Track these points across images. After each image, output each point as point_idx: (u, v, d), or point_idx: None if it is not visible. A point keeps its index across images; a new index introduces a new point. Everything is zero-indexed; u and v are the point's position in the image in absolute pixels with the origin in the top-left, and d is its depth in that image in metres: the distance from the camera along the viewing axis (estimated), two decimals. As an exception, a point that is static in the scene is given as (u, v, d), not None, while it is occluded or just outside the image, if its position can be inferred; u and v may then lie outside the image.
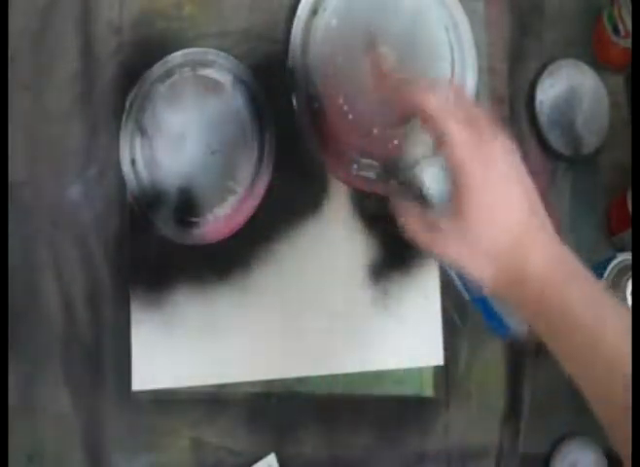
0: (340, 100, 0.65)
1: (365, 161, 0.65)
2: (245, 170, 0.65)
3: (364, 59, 0.65)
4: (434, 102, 0.44)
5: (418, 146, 0.48)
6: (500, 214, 0.44)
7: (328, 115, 0.65)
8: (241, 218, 0.65)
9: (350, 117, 0.65)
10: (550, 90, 0.69)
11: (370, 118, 0.65)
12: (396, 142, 0.64)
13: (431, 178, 0.46)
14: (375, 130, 0.65)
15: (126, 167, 0.66)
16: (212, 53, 0.67)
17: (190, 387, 0.64)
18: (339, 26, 0.66)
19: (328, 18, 0.66)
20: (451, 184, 0.44)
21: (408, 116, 0.48)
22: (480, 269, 0.44)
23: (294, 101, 0.65)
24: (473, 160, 0.43)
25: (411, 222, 0.47)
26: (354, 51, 0.66)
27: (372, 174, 0.65)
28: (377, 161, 0.65)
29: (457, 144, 0.43)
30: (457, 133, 0.43)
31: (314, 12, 0.66)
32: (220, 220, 0.65)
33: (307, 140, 0.65)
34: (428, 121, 0.45)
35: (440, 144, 0.44)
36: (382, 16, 0.66)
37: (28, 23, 0.66)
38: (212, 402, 0.64)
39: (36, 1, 0.66)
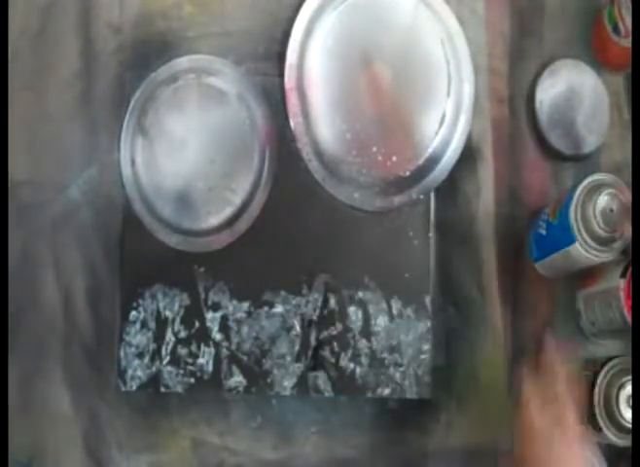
0: (338, 120, 0.65)
1: (365, 179, 0.65)
2: (244, 183, 0.65)
3: (360, 78, 0.65)
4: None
5: None
6: None
7: (326, 134, 0.65)
8: (238, 229, 0.65)
9: (348, 136, 0.65)
10: (550, 90, 0.69)
11: (368, 136, 0.65)
12: (395, 159, 0.64)
13: None
14: (374, 148, 0.65)
15: (126, 168, 0.66)
16: (218, 63, 0.66)
17: (189, 387, 0.64)
18: (335, 46, 0.65)
19: (323, 39, 0.65)
20: None
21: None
22: None
23: (291, 123, 0.65)
24: None
25: None
26: (350, 69, 0.65)
27: (372, 192, 0.65)
28: (377, 179, 0.65)
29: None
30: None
31: (309, 33, 0.65)
32: (216, 230, 0.65)
33: (307, 159, 0.65)
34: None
35: None
36: (377, 32, 0.66)
37: (28, 23, 0.66)
38: (212, 402, 0.64)
39: (36, 1, 0.67)
